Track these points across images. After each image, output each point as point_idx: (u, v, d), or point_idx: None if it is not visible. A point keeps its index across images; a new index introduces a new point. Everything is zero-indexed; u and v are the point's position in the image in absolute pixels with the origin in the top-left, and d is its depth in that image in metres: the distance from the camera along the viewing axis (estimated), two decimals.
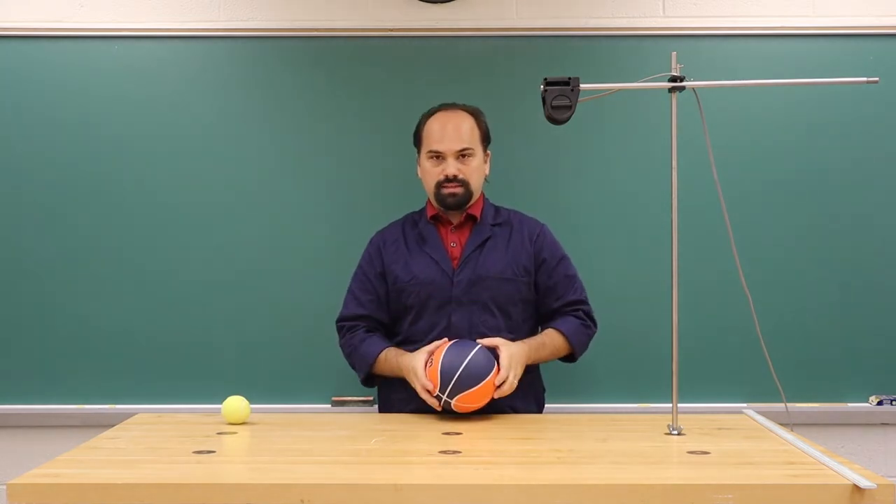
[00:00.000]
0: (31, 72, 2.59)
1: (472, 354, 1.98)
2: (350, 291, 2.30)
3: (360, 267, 2.31)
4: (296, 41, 2.61)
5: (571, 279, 2.27)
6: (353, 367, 2.26)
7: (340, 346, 2.29)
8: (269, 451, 1.76)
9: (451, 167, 2.19)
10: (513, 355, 2.05)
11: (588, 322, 2.27)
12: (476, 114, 2.27)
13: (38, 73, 2.59)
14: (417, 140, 2.30)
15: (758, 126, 2.59)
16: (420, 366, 2.02)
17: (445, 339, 2.09)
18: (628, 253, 2.59)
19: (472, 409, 2.00)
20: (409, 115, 2.56)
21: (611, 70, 2.58)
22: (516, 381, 2.04)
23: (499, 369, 2.01)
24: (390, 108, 2.60)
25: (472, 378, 1.96)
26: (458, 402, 1.97)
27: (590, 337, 2.28)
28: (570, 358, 2.28)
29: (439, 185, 2.20)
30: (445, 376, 1.96)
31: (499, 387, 2.01)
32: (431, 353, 2.03)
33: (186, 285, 2.58)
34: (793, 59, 2.59)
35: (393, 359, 2.16)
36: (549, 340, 2.20)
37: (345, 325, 2.28)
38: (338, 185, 2.61)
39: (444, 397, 1.97)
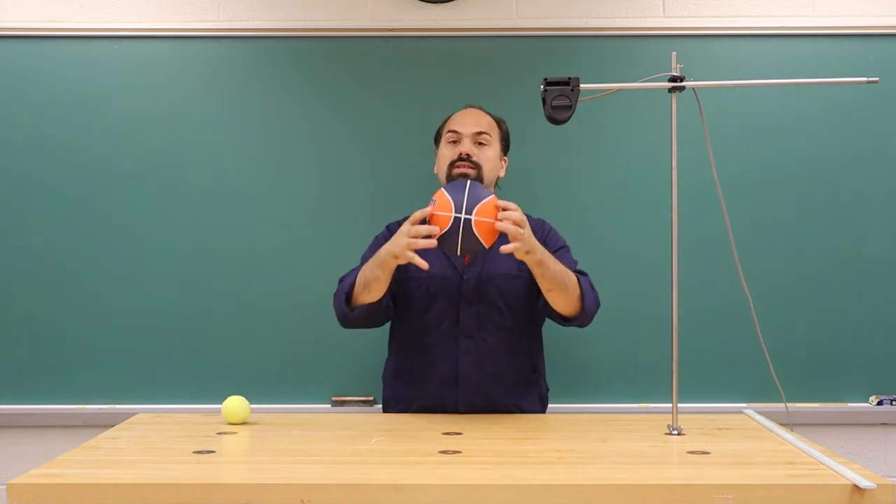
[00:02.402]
0: (31, 72, 2.59)
1: (469, 181, 1.93)
2: (358, 267, 2.18)
3: (371, 247, 2.22)
4: (296, 41, 2.61)
5: (573, 263, 2.17)
6: (337, 310, 2.13)
7: (333, 295, 2.17)
8: (269, 451, 1.76)
9: (466, 146, 2.20)
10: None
11: (595, 289, 2.14)
12: (499, 119, 2.31)
13: (38, 73, 2.58)
14: (438, 135, 2.31)
15: (758, 126, 2.59)
16: (405, 223, 1.93)
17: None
18: (628, 252, 2.58)
19: (490, 229, 1.87)
20: (409, 114, 2.57)
21: (611, 70, 2.58)
22: (524, 235, 1.89)
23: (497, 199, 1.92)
24: (390, 108, 2.60)
25: (479, 193, 1.88)
26: (479, 216, 1.86)
27: (597, 303, 2.13)
28: (578, 318, 2.09)
29: (452, 165, 2.20)
30: (456, 197, 1.88)
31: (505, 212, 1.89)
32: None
33: (186, 285, 2.58)
34: (793, 59, 2.59)
35: (370, 260, 2.04)
36: (563, 265, 2.05)
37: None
38: (337, 184, 2.61)
39: (464, 215, 1.86)
